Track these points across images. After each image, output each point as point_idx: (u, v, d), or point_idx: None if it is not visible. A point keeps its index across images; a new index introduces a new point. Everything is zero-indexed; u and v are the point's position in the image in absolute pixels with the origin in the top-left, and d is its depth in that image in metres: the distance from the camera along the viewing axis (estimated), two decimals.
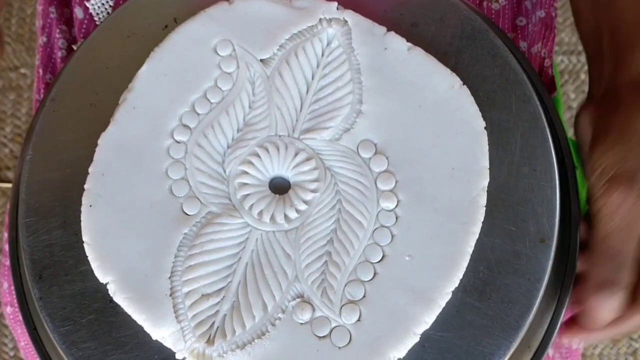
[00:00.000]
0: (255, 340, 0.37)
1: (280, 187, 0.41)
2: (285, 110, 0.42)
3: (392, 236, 0.39)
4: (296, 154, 0.41)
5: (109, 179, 0.40)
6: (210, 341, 0.37)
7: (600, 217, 0.38)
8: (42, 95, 0.55)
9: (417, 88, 0.42)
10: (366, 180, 0.40)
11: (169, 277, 0.38)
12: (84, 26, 0.52)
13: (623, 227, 0.37)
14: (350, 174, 0.40)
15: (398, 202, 0.40)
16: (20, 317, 0.49)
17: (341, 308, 0.38)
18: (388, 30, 0.43)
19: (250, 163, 0.40)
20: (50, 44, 0.55)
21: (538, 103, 0.41)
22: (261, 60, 0.43)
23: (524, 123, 0.41)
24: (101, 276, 0.38)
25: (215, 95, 0.42)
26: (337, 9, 0.43)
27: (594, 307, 0.37)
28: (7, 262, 0.52)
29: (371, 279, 0.38)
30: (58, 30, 0.54)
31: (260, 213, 0.39)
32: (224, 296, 0.38)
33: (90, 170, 0.40)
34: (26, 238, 0.40)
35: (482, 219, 0.39)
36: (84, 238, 0.39)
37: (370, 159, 0.41)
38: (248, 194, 0.40)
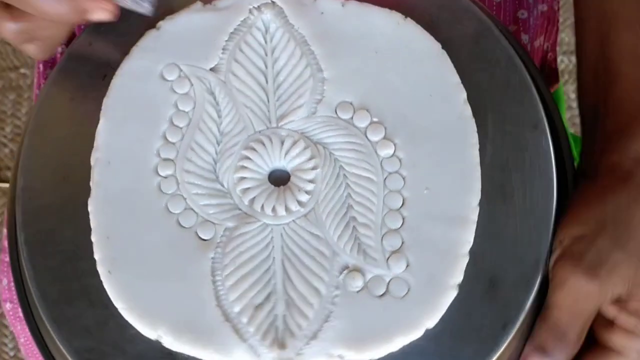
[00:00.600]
0: (324, 325, 0.37)
1: (281, 179, 0.41)
2: (254, 106, 0.42)
3: (403, 178, 0.40)
4: (282, 142, 0.41)
5: (116, 240, 0.39)
6: (282, 345, 0.37)
7: (552, 286, 0.38)
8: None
9: (366, 37, 0.42)
10: (357, 138, 0.41)
11: (216, 305, 0.38)
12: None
13: (567, 303, 0.37)
14: (341, 139, 0.41)
15: (395, 145, 0.40)
16: (20, 314, 0.50)
17: (387, 262, 0.38)
18: None
19: (244, 167, 0.40)
20: None
21: (538, 98, 0.41)
22: (211, 69, 0.42)
23: (523, 118, 0.40)
24: (150, 333, 0.37)
25: (182, 119, 0.41)
26: None
27: None
28: (7, 259, 0.52)
29: (402, 225, 0.39)
30: None
31: (274, 209, 0.39)
32: (275, 299, 0.38)
33: (93, 239, 0.39)
34: (25, 233, 0.39)
35: (475, 129, 0.40)
36: (118, 305, 0.38)
37: (352, 118, 0.41)
38: (254, 197, 0.40)
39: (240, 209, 0.40)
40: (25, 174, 0.41)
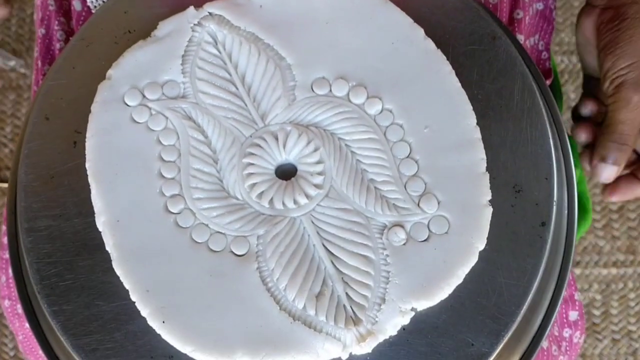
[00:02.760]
0: (387, 287, 0.38)
1: (289, 172, 0.41)
2: (235, 115, 0.42)
3: (401, 126, 0.41)
4: (277, 138, 0.41)
5: (156, 290, 0.38)
6: (357, 321, 0.37)
7: (614, 110, 0.47)
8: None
9: (311, 13, 0.43)
10: (344, 107, 0.41)
11: (280, 310, 0.38)
12: (82, 18, 0.52)
13: (632, 117, 0.46)
14: (330, 113, 0.41)
15: (381, 100, 0.41)
16: (19, 311, 0.51)
17: (420, 206, 0.39)
18: None
19: (251, 174, 0.40)
20: (48, 35, 0.55)
21: (538, 95, 0.41)
22: (179, 97, 0.42)
23: (513, 88, 0.41)
24: (228, 357, 0.37)
25: (171, 153, 0.41)
26: (195, 9, 0.43)
27: (597, 172, 0.48)
28: (5, 256, 0.52)
29: (418, 169, 0.40)
30: (57, 22, 0.54)
31: (295, 202, 0.40)
32: (331, 282, 0.38)
33: (134, 298, 0.38)
34: (26, 229, 0.39)
35: (444, 58, 0.42)
36: (186, 350, 0.37)
37: (331, 90, 0.42)
38: (272, 198, 0.40)
39: (263, 214, 0.40)
40: (26, 169, 0.41)
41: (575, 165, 0.45)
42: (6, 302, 0.53)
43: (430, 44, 0.42)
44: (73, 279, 0.39)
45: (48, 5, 0.55)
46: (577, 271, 0.92)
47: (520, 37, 0.52)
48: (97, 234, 0.40)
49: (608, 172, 0.47)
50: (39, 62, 0.55)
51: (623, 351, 0.91)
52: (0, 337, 0.88)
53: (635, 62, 0.46)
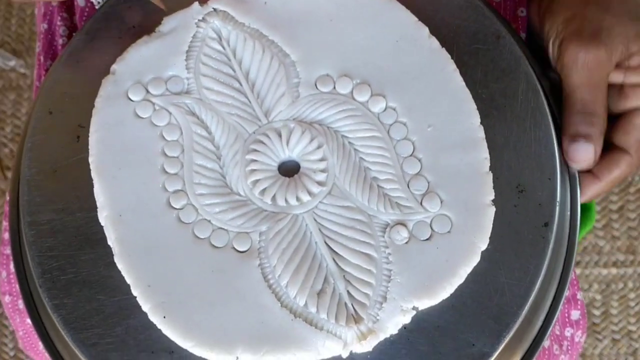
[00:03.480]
0: (389, 286, 0.37)
1: (292, 169, 0.41)
2: (239, 111, 0.42)
3: (404, 124, 0.41)
4: (280, 135, 0.41)
5: (158, 285, 0.38)
6: (358, 319, 0.37)
7: (565, 76, 0.40)
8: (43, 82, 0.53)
9: (315, 10, 0.43)
10: (348, 104, 0.41)
11: (281, 307, 0.37)
12: (85, 14, 0.52)
13: (586, 78, 0.39)
14: (334, 111, 0.41)
15: (385, 98, 0.41)
16: (20, 306, 0.51)
17: (422, 205, 0.39)
18: None
19: (254, 170, 0.40)
20: (51, 30, 0.54)
21: (542, 95, 0.41)
22: (183, 92, 0.42)
23: (518, 87, 0.41)
24: (229, 352, 0.37)
25: (174, 149, 0.41)
26: (199, 4, 0.43)
27: (571, 157, 0.40)
28: (6, 251, 0.52)
29: (421, 167, 0.40)
30: (59, 18, 0.54)
31: (298, 198, 0.39)
32: (332, 280, 0.38)
33: (135, 293, 0.38)
34: (28, 223, 0.40)
35: (449, 56, 0.42)
36: (186, 345, 0.37)
37: (335, 87, 0.42)
38: (274, 194, 0.40)
39: (266, 210, 0.39)
40: (29, 163, 0.41)
41: None
42: (7, 298, 0.53)
43: (435, 42, 0.42)
44: (75, 273, 0.39)
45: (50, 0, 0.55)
46: (577, 271, 0.92)
47: (523, 36, 0.51)
48: (100, 229, 0.40)
49: (583, 152, 0.39)
50: (42, 58, 0.55)
51: (623, 351, 0.90)
52: (0, 336, 0.89)
53: (574, 14, 0.40)
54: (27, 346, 0.54)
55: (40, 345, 0.43)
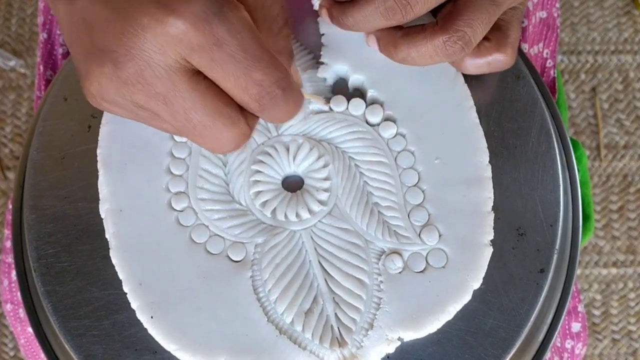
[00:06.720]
0: (377, 313, 0.37)
1: (295, 184, 0.41)
2: None
3: (412, 153, 0.41)
4: (288, 148, 0.41)
5: (149, 284, 0.38)
6: (342, 342, 0.37)
7: None
8: (42, 92, 0.54)
9: None
10: (359, 126, 0.41)
11: (267, 321, 0.38)
12: None
13: None
14: (344, 131, 0.41)
15: (396, 124, 0.41)
16: (21, 315, 0.51)
17: (420, 237, 0.39)
18: None
19: (258, 182, 0.40)
20: (51, 40, 0.54)
21: (555, 139, 0.41)
22: None
23: (531, 129, 0.41)
24: (210, 357, 0.37)
25: (182, 150, 0.41)
26: None
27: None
28: (8, 260, 0.52)
29: (424, 199, 0.40)
30: (59, 27, 0.53)
31: (297, 215, 0.40)
32: (322, 300, 0.38)
33: (126, 289, 0.38)
34: (30, 206, 0.40)
35: (469, 93, 0.41)
36: (170, 348, 0.37)
37: (348, 108, 0.42)
38: (275, 208, 0.40)
39: (264, 223, 0.40)
40: (38, 147, 0.41)
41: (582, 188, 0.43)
42: (8, 306, 0.53)
43: (460, 78, 0.42)
44: (70, 262, 0.39)
45: (50, 10, 0.54)
46: (577, 271, 0.92)
47: (525, 46, 0.51)
48: (99, 221, 0.40)
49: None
50: (41, 67, 0.54)
51: (623, 351, 0.90)
52: (1, 337, 0.89)
53: None
54: (29, 355, 0.54)
55: (42, 354, 0.43)
